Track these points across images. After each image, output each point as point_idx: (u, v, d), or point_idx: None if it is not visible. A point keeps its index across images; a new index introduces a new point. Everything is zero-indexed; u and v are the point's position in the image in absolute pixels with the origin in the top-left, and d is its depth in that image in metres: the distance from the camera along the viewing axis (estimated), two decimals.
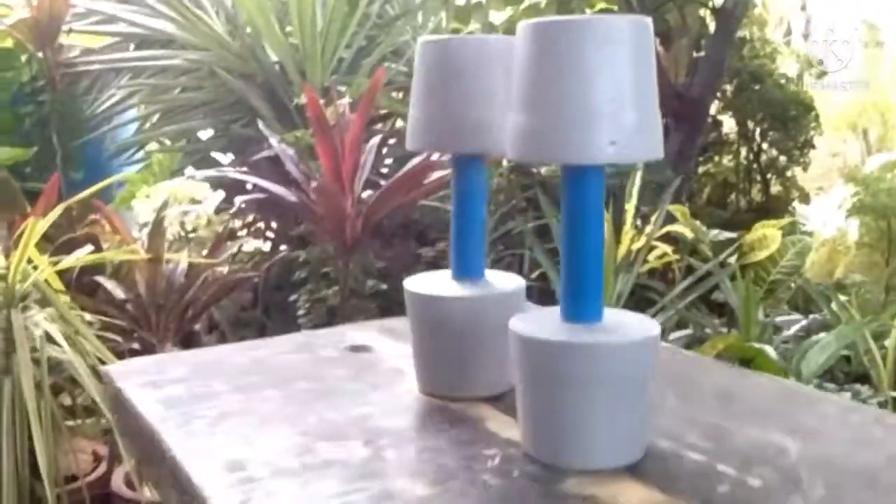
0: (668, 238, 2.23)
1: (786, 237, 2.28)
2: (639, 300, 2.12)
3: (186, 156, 2.78)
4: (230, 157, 2.68)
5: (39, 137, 2.56)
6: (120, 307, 1.81)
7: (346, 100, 2.02)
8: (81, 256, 1.72)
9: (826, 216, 2.32)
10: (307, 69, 2.52)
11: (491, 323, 0.68)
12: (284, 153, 1.90)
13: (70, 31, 2.62)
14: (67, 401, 1.72)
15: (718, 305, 2.29)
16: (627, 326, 0.59)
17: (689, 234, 2.25)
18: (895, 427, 0.64)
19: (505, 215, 2.35)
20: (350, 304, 1.94)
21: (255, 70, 2.59)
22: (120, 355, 1.66)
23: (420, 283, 0.71)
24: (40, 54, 2.55)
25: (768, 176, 3.53)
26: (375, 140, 1.97)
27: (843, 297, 2.04)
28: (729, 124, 3.63)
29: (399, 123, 2.70)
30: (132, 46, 2.83)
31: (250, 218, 2.48)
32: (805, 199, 3.39)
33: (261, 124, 2.17)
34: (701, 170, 3.52)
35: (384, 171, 2.41)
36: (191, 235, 2.03)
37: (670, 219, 2.24)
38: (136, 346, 1.80)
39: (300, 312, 2.01)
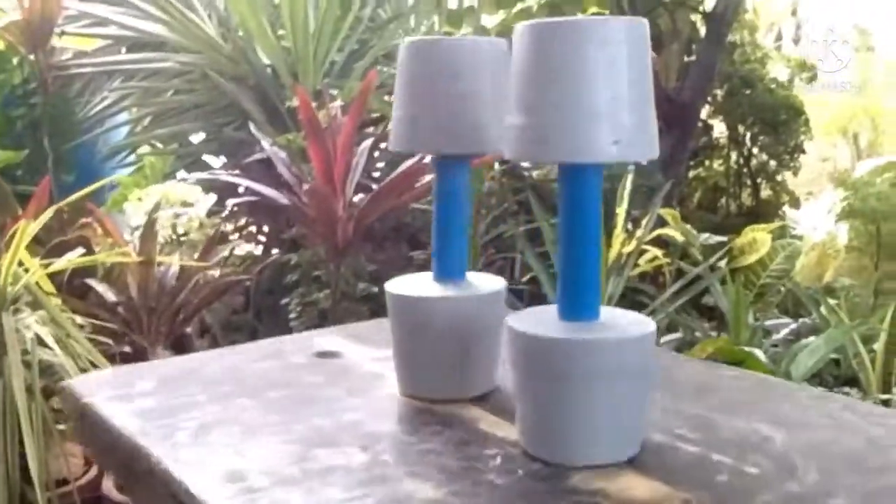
0: (659, 242, 2.24)
1: (775, 241, 2.29)
2: (629, 303, 2.13)
3: (178, 159, 2.78)
4: (222, 160, 2.68)
5: (31, 140, 2.55)
6: (111, 310, 1.81)
7: (338, 103, 2.03)
8: (73, 259, 1.72)
9: (817, 221, 2.34)
10: (299, 72, 2.52)
11: (473, 324, 0.69)
12: (276, 156, 1.90)
13: (62, 33, 2.62)
14: (58, 404, 1.72)
15: (709, 309, 2.30)
16: (624, 323, 0.60)
17: (679, 238, 2.26)
18: (867, 413, 0.68)
19: (496, 219, 2.35)
20: (342, 307, 1.94)
21: (247, 73, 2.59)
22: (111, 358, 1.66)
23: (401, 285, 0.72)
24: (32, 57, 2.54)
25: (758, 180, 3.55)
26: (367, 143, 1.97)
27: (832, 301, 2.05)
28: (719, 128, 3.64)
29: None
30: (124, 49, 2.83)
31: (242, 221, 2.48)
32: (795, 203, 3.40)
33: (252, 127, 2.18)
34: (692, 174, 3.53)
35: (376, 174, 2.42)
36: (182, 239, 2.04)
37: (661, 223, 2.24)
38: (127, 348, 1.80)
39: (292, 315, 2.01)
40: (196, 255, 1.96)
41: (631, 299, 2.14)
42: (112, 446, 0.65)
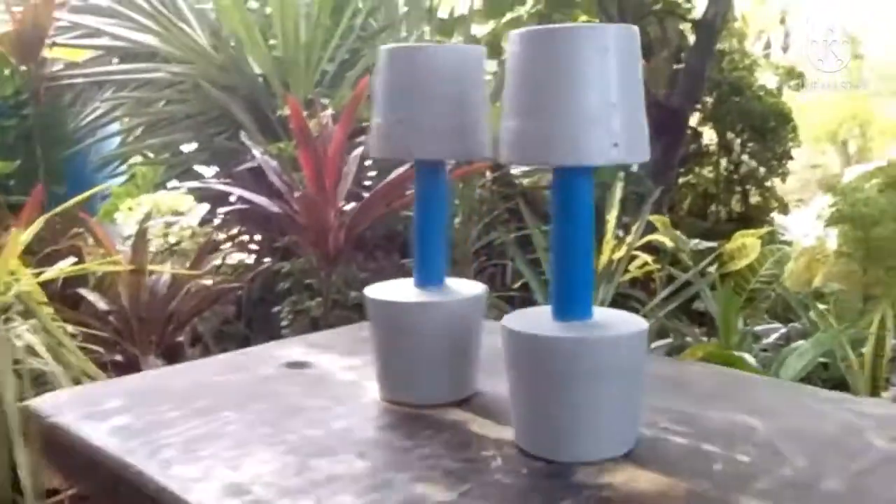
0: (650, 248, 2.25)
1: (765, 247, 2.30)
2: (620, 309, 2.14)
3: (170, 168, 2.79)
4: (214, 169, 2.68)
5: (23, 151, 2.56)
6: (103, 319, 1.81)
7: (329, 112, 2.04)
8: (64, 268, 1.72)
9: (806, 227, 2.35)
10: (291, 82, 2.53)
11: (453, 329, 0.69)
12: (267, 164, 1.91)
13: (53, 44, 2.63)
14: None
15: (699, 314, 2.31)
16: (617, 322, 0.62)
17: (669, 244, 2.27)
18: (829, 399, 0.71)
19: (487, 226, 2.36)
20: (333, 315, 1.95)
21: (238, 83, 2.60)
22: (103, 367, 1.66)
23: (382, 290, 0.72)
24: (24, 68, 2.55)
25: (747, 187, 3.57)
26: (358, 151, 1.98)
27: (821, 306, 2.06)
28: (709, 136, 3.67)
29: None
30: (116, 60, 2.84)
31: (234, 231, 2.48)
32: (784, 209, 3.42)
33: (244, 136, 2.18)
34: (682, 181, 3.55)
35: (367, 183, 2.42)
36: (175, 248, 2.04)
37: (652, 229, 2.26)
38: (118, 357, 1.80)
39: (283, 323, 2.01)
40: (188, 265, 1.96)
41: (622, 305, 2.15)
42: (91, 466, 0.63)
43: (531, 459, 0.59)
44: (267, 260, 2.37)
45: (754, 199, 3.57)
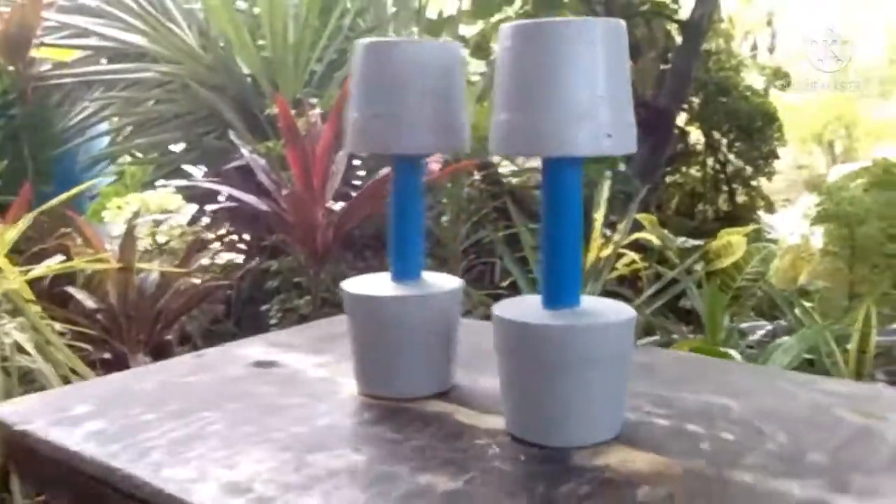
0: (637, 246, 2.26)
1: (750, 244, 2.32)
2: None
3: (158, 168, 2.79)
4: (202, 168, 2.68)
5: (11, 151, 2.55)
6: (91, 317, 1.81)
7: (318, 111, 2.04)
8: (52, 265, 1.72)
9: (792, 226, 2.37)
10: (279, 82, 2.54)
11: (431, 322, 0.69)
12: (255, 163, 1.91)
13: (41, 44, 2.63)
14: None
15: (686, 312, 2.32)
16: (605, 310, 0.63)
17: (656, 242, 2.28)
18: (795, 380, 0.74)
19: (476, 224, 2.37)
20: (322, 313, 1.95)
21: (227, 83, 2.60)
22: (91, 364, 1.66)
23: (359, 284, 0.72)
24: (11, 68, 2.55)
25: (734, 186, 3.59)
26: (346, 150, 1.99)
27: (806, 303, 2.08)
28: (696, 135, 3.69)
29: None
30: (104, 60, 2.83)
31: (223, 230, 2.48)
32: (770, 208, 3.45)
33: (232, 135, 2.19)
34: (669, 180, 3.57)
35: (356, 182, 2.43)
36: (163, 247, 2.04)
37: (639, 227, 2.27)
38: (107, 355, 1.80)
39: (272, 322, 2.02)
40: (176, 263, 1.96)
41: None
42: (69, 473, 0.60)
43: (526, 446, 0.60)
44: (256, 259, 2.37)
45: (741, 198, 3.59)
